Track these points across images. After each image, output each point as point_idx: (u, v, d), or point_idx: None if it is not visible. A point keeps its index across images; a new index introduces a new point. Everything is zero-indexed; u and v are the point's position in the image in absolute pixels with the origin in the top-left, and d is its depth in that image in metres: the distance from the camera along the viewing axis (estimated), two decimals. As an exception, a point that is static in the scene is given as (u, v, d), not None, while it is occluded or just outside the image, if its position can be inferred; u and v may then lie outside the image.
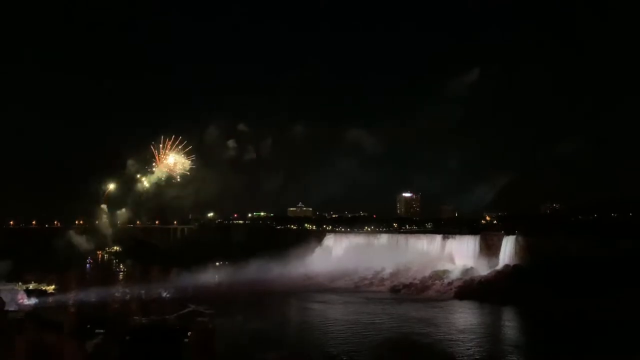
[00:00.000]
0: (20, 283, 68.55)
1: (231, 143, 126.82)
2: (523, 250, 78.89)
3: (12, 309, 55.28)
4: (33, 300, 66.60)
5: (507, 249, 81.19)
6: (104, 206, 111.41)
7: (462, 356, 43.79)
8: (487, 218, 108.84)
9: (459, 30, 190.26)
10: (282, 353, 42.04)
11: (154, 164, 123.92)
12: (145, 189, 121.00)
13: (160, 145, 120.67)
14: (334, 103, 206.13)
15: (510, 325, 59.37)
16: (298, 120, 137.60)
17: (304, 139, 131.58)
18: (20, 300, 63.90)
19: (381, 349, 45.37)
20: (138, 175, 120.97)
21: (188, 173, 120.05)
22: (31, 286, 71.13)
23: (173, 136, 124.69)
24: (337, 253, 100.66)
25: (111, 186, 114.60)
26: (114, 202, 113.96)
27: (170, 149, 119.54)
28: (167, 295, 72.69)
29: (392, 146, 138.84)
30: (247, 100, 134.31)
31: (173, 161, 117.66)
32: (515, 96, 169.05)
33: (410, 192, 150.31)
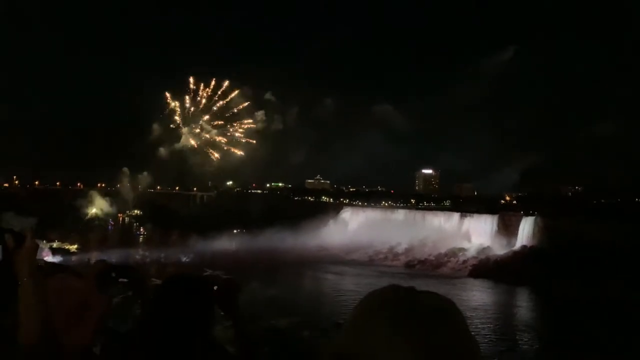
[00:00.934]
0: (44, 241, 70.82)
1: (260, 115, 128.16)
2: (541, 231, 77.94)
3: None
4: (57, 258, 68.97)
5: (525, 230, 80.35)
6: (125, 169, 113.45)
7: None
8: (507, 198, 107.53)
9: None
10: (293, 320, 42.92)
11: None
12: (169, 152, 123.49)
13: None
14: (362, 76, 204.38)
15: (523, 305, 59.28)
16: (323, 92, 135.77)
17: (327, 112, 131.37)
18: (46, 257, 66.20)
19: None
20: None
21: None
22: (54, 245, 73.58)
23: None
24: (353, 226, 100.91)
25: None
26: (136, 165, 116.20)
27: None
28: (187, 260, 74.35)
29: (417, 122, 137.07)
30: (271, 70, 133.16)
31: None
32: (552, 73, 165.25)
33: (430, 169, 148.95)
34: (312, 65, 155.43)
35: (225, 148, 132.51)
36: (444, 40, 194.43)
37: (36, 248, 2.96)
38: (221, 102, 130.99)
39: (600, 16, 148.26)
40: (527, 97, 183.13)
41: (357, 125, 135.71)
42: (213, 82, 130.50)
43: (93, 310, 3.18)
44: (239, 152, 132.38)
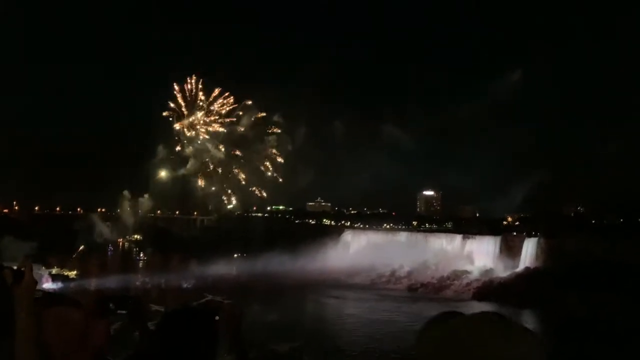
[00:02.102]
0: (43, 267, 70.32)
1: (272, 140, 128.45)
2: (544, 252, 77.58)
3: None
4: (56, 284, 68.50)
5: (528, 251, 80.00)
6: (126, 192, 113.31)
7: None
8: (509, 219, 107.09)
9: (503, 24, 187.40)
10: (295, 344, 42.33)
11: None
12: (170, 175, 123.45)
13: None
14: (363, 97, 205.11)
15: (528, 327, 58.47)
16: (323, 113, 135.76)
17: (328, 134, 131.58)
18: (45, 283, 65.76)
19: (394, 345, 45.27)
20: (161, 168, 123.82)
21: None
22: (54, 271, 73.04)
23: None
24: (355, 249, 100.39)
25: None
26: (137, 189, 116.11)
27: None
28: (188, 286, 73.67)
29: (419, 143, 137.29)
30: (269, 88, 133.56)
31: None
32: (556, 93, 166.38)
33: (432, 191, 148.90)
34: (311, 85, 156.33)
35: (236, 171, 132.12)
36: (447, 60, 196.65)
37: (34, 284, 2.94)
38: (229, 120, 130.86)
39: (601, 35, 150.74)
40: (531, 118, 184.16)
41: (358, 146, 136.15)
42: (218, 95, 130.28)
43: (91, 341, 3.14)
44: (243, 176, 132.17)
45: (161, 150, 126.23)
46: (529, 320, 61.34)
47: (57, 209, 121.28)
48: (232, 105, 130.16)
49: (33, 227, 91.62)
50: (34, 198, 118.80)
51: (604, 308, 56.24)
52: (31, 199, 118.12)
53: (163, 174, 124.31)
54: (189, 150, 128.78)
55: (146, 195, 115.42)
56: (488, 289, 76.46)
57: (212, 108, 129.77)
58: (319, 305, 67.58)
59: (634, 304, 55.35)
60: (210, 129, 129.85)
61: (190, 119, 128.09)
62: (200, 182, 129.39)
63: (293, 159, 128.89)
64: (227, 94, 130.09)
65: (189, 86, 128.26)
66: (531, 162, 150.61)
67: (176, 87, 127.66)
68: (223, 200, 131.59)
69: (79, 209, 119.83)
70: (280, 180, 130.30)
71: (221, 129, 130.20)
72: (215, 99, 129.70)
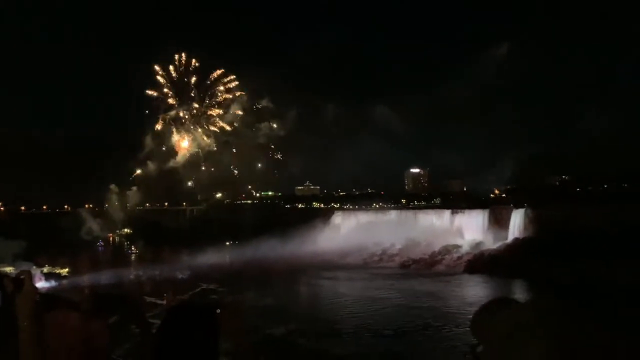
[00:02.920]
0: (34, 267, 69.66)
1: (265, 127, 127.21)
2: (532, 222, 78.57)
3: None
4: (49, 283, 68.03)
5: (516, 222, 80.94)
6: (113, 186, 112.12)
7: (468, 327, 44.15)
8: (496, 192, 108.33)
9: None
10: (289, 328, 42.75)
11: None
12: (157, 169, 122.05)
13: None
14: (349, 78, 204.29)
15: (519, 297, 59.46)
16: (310, 95, 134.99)
17: (316, 117, 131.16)
18: (39, 283, 65.23)
19: (388, 322, 45.93)
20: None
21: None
22: (45, 269, 72.36)
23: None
24: (346, 230, 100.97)
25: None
26: (124, 183, 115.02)
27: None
28: (183, 277, 73.52)
29: (406, 122, 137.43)
30: (256, 71, 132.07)
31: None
32: (544, 70, 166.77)
33: (418, 168, 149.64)
34: (298, 67, 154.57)
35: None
36: (436, 36, 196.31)
37: (35, 292, 2.92)
38: (219, 110, 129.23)
39: (591, 11, 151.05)
40: (519, 93, 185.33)
41: (344, 129, 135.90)
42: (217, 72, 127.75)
43: (92, 342, 3.13)
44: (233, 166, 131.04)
45: (149, 143, 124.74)
46: (519, 290, 62.53)
47: (44, 207, 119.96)
48: (230, 90, 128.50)
49: (19, 226, 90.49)
50: (20, 198, 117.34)
51: (591, 274, 57.38)
52: (16, 199, 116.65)
53: (151, 166, 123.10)
54: (179, 140, 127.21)
55: (134, 188, 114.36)
56: (479, 261, 77.48)
57: (211, 93, 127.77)
58: (312, 288, 68.08)
59: (620, 268, 56.58)
60: (206, 117, 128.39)
61: (181, 112, 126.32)
62: (190, 172, 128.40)
63: (282, 144, 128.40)
64: (231, 77, 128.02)
65: (177, 68, 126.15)
66: (517, 137, 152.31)
67: (157, 69, 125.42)
68: (212, 189, 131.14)
69: (66, 206, 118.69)
70: (271, 167, 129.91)
71: (217, 115, 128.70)
72: (215, 81, 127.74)
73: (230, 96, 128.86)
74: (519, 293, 61.39)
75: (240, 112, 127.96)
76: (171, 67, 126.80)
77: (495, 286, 65.77)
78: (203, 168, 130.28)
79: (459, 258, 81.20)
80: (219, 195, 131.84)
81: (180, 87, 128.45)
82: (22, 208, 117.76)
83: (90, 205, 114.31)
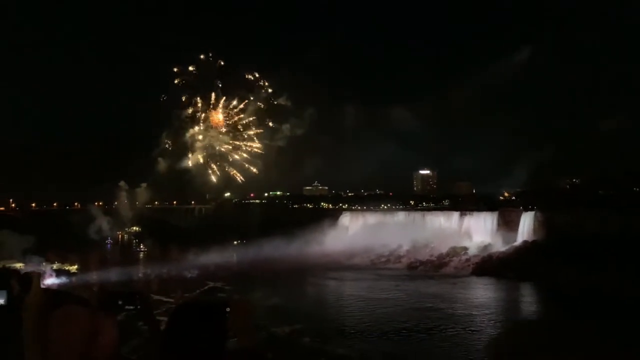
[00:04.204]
0: (44, 263, 70.28)
1: (286, 129, 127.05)
2: (542, 225, 78.02)
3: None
4: (59, 279, 68.62)
5: (526, 225, 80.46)
6: (122, 183, 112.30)
7: (476, 330, 43.95)
8: (506, 194, 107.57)
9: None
10: (295, 327, 42.83)
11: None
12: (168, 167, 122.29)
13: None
14: (363, 79, 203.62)
15: (527, 300, 59.17)
16: (322, 96, 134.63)
17: (320, 117, 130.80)
18: (49, 279, 65.85)
19: (393, 323, 45.86)
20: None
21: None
22: (54, 266, 72.95)
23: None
24: (353, 231, 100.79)
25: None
26: (133, 180, 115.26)
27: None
28: (191, 276, 73.71)
29: (415, 124, 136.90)
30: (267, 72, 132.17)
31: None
32: (556, 73, 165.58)
33: (428, 170, 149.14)
34: (308, 68, 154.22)
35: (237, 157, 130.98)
36: (449, 39, 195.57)
37: (42, 293, 2.94)
38: (237, 116, 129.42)
39: (606, 14, 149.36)
40: (530, 98, 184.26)
41: (354, 129, 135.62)
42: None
43: (101, 339, 3.14)
44: (254, 169, 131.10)
45: (164, 140, 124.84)
46: (527, 293, 62.13)
47: (54, 204, 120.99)
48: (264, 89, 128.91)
49: (30, 223, 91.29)
50: (31, 195, 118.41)
51: (600, 280, 56.81)
52: (28, 196, 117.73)
53: (163, 164, 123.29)
54: (197, 140, 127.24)
55: (143, 185, 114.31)
56: (487, 264, 77.06)
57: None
58: (318, 288, 68.06)
59: (626, 274, 56.03)
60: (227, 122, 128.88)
61: (214, 115, 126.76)
62: (208, 171, 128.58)
63: (296, 145, 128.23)
64: (264, 83, 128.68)
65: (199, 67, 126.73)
66: (528, 140, 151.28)
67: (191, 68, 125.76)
68: (222, 188, 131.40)
69: (76, 204, 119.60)
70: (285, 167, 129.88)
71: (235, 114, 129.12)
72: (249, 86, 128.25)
73: (251, 96, 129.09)
74: (525, 295, 61.06)
75: (261, 104, 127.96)
76: (190, 67, 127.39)
77: (502, 288, 65.43)
78: (215, 168, 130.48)
79: (467, 260, 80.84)
80: (227, 194, 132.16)
81: (197, 87, 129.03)
82: (33, 205, 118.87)
83: (100, 203, 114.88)
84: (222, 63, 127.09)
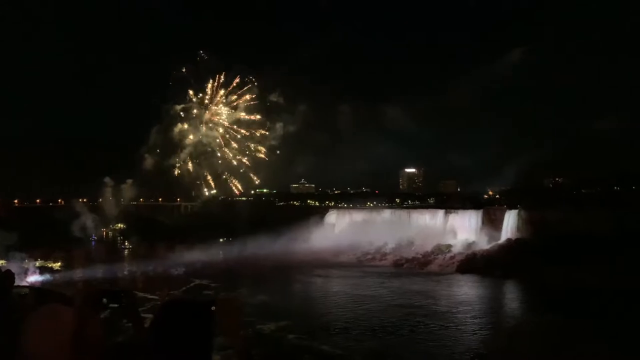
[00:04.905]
0: (26, 260, 69.34)
1: (279, 128, 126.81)
2: (525, 224, 78.99)
3: (21, 284, 55.67)
4: (43, 277, 67.79)
5: (510, 223, 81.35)
6: (107, 179, 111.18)
7: (459, 326, 44.44)
8: (490, 193, 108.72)
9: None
10: (281, 324, 42.93)
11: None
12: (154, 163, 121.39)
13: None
14: (345, 75, 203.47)
15: (510, 297, 59.98)
16: (310, 93, 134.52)
17: (310, 115, 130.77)
18: (32, 276, 65.03)
19: (377, 319, 46.17)
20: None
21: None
22: (37, 263, 72.05)
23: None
24: (340, 228, 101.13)
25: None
26: (118, 176, 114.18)
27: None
28: (179, 273, 73.27)
29: (401, 123, 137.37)
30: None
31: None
32: (543, 72, 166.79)
33: (414, 168, 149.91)
34: (297, 66, 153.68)
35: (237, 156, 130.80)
36: (440, 38, 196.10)
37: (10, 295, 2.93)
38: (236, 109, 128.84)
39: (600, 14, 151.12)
40: (517, 96, 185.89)
41: (340, 128, 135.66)
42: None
43: (86, 337, 3.09)
44: (245, 160, 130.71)
45: (154, 136, 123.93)
46: (511, 290, 62.91)
47: (37, 201, 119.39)
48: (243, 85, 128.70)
49: (12, 219, 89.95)
50: (13, 191, 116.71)
51: (585, 277, 57.70)
52: (10, 192, 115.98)
53: (150, 160, 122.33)
54: (190, 135, 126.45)
55: (129, 181, 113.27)
56: (471, 261, 77.81)
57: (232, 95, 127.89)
58: (305, 285, 68.18)
59: (612, 273, 57.00)
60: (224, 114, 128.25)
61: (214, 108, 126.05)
62: (192, 167, 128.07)
63: (283, 142, 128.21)
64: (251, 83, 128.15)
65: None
66: (513, 140, 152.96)
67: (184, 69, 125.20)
68: (210, 186, 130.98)
69: (60, 200, 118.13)
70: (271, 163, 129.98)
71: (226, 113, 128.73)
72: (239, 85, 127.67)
73: (244, 93, 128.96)
74: (508, 293, 61.84)
75: (250, 97, 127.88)
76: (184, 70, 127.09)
77: (485, 285, 66.15)
78: (202, 163, 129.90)
79: (452, 258, 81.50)
80: (213, 191, 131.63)
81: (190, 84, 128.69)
82: (16, 201, 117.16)
83: (84, 200, 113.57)
84: (216, 60, 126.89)
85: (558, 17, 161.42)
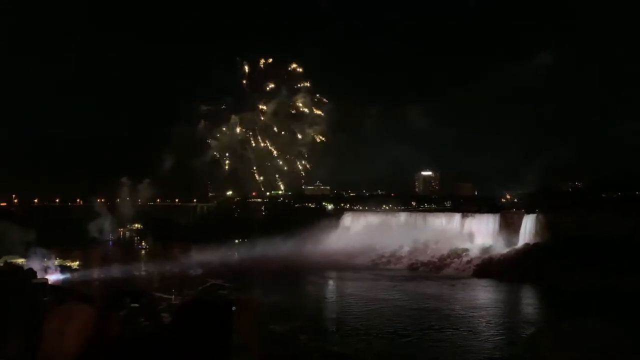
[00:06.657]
0: (45, 259, 70.44)
1: (308, 133, 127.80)
2: (543, 228, 77.85)
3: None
4: (63, 275, 68.93)
5: (527, 227, 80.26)
6: (125, 179, 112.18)
7: (474, 331, 43.92)
8: (508, 196, 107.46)
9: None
10: (293, 325, 42.91)
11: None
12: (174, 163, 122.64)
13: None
14: (361, 77, 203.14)
15: (527, 302, 59.03)
16: (321, 95, 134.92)
17: (327, 117, 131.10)
18: (53, 274, 66.12)
19: (390, 322, 45.87)
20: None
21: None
22: (56, 262, 73.20)
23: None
24: (355, 231, 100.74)
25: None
26: (135, 176, 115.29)
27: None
28: (192, 273, 73.77)
29: (419, 125, 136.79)
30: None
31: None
32: (563, 77, 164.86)
33: (430, 171, 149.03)
34: (312, 66, 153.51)
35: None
36: (459, 43, 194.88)
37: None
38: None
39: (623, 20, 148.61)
40: (536, 99, 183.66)
41: (357, 129, 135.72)
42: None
43: (105, 335, 3.13)
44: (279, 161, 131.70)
45: (177, 135, 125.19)
46: (529, 295, 62.03)
47: (57, 200, 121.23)
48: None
49: (30, 218, 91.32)
50: (36, 192, 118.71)
51: (601, 282, 56.69)
52: (32, 194, 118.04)
53: (169, 160, 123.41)
54: (221, 135, 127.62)
55: (146, 181, 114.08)
56: (488, 265, 76.91)
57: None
58: (318, 287, 68.10)
59: (628, 276, 55.91)
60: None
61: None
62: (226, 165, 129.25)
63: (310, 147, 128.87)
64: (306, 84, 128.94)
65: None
66: (537, 143, 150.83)
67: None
68: (223, 187, 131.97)
69: (78, 200, 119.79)
70: (308, 165, 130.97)
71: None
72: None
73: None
74: (526, 298, 60.94)
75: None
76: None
77: (502, 290, 65.24)
78: (226, 167, 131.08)
79: (468, 262, 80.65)
80: (229, 192, 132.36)
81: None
82: (35, 201, 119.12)
83: (103, 199, 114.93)
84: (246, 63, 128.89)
85: (581, 21, 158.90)
